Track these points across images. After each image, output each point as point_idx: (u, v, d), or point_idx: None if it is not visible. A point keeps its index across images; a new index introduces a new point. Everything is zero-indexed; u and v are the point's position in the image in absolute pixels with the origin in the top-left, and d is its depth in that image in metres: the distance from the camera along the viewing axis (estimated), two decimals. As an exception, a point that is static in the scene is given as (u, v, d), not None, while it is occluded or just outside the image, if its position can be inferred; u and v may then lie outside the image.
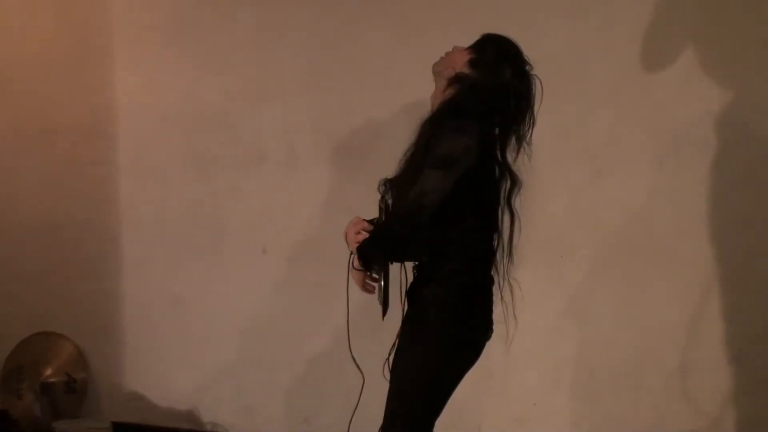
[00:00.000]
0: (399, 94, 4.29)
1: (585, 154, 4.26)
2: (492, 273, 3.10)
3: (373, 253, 2.88)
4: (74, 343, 5.03)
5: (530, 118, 3.10)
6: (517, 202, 3.15)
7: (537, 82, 3.12)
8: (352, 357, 3.18)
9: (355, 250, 2.89)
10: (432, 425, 3.03)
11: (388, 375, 3.03)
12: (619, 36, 4.20)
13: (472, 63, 3.07)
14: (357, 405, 3.27)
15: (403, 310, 3.05)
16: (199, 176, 4.82)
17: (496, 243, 3.11)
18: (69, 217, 4.99)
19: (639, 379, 4.26)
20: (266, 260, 4.76)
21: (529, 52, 4.07)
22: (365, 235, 2.92)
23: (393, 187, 3.01)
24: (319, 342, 4.62)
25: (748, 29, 4.09)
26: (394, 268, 3.02)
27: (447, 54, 3.16)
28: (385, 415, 2.98)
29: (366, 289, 3.00)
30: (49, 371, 4.99)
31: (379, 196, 3.09)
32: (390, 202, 3.00)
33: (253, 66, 4.74)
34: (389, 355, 3.06)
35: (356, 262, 2.90)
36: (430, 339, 2.91)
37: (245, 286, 4.80)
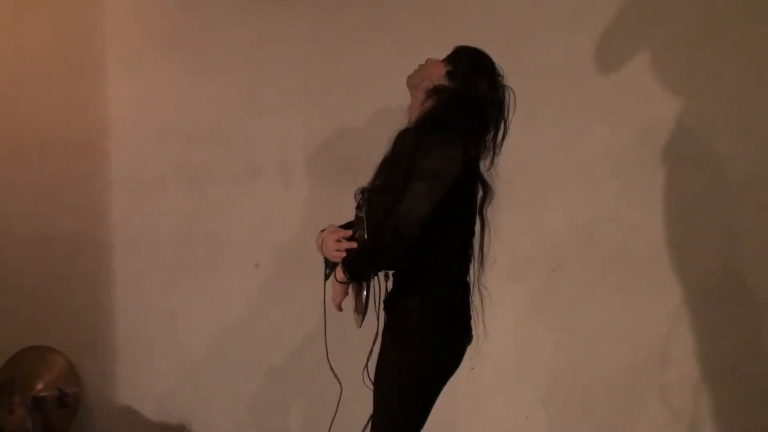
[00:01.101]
0: (393, 109, 4.28)
1: (579, 167, 4.28)
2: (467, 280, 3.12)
3: (363, 267, 2.89)
4: (66, 358, 5.01)
5: (504, 128, 3.12)
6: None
7: (510, 92, 3.13)
8: (330, 366, 3.24)
9: (341, 265, 2.90)
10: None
11: (368, 382, 3.07)
12: (614, 50, 4.23)
13: (449, 75, 3.09)
14: (335, 413, 3.31)
15: (378, 318, 3.04)
16: (193, 190, 4.82)
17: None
18: (62, 231, 4.97)
19: (632, 393, 4.27)
20: (259, 274, 4.76)
21: (524, 65, 4.12)
22: (346, 244, 2.94)
23: (372, 196, 2.99)
24: (311, 355, 4.61)
25: (743, 42, 4.11)
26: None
27: (421, 66, 3.18)
28: (372, 425, 3.00)
29: (339, 305, 3.02)
30: (40, 385, 4.96)
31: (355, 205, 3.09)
32: (365, 211, 2.97)
33: (247, 80, 4.74)
34: (367, 361, 3.10)
35: (339, 275, 2.91)
36: (411, 348, 2.93)
37: (238, 300, 4.80)
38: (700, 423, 4.19)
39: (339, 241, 2.97)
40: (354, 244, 2.95)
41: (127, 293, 4.96)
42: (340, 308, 3.03)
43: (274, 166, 4.71)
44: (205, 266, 4.83)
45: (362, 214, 2.97)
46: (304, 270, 4.56)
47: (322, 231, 3.11)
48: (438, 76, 3.09)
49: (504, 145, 3.12)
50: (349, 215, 3.14)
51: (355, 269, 2.88)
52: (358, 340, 3.08)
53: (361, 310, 2.95)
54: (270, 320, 4.74)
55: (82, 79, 4.95)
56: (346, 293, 3.00)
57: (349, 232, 2.99)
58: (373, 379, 3.09)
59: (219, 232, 4.80)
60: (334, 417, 3.28)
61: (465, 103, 3.03)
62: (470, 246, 3.08)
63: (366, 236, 2.90)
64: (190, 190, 4.83)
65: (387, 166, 3.00)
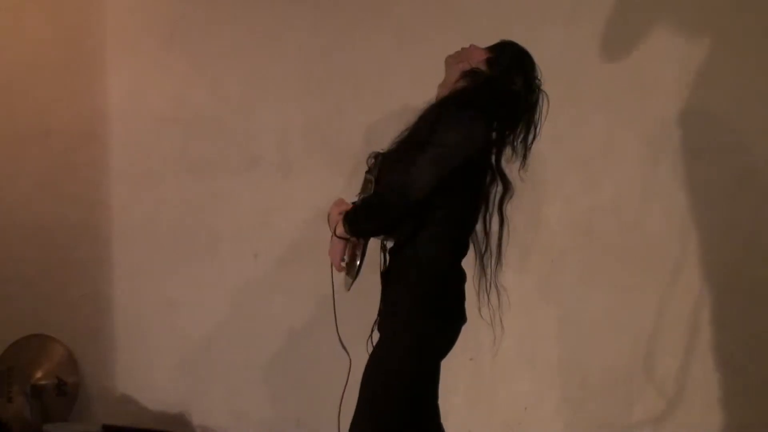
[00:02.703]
0: (393, 100, 4.29)
1: (578, 159, 4.28)
2: (480, 276, 3.14)
3: (363, 221, 2.90)
4: (65, 346, 5.02)
5: (533, 131, 3.14)
6: (509, 207, 3.16)
7: (545, 98, 3.16)
8: (339, 339, 3.20)
9: (341, 217, 2.90)
10: (421, 415, 3.02)
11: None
12: (613, 42, 4.22)
13: (488, 62, 3.10)
14: (345, 387, 3.22)
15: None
16: (193, 180, 4.82)
17: (483, 247, 3.15)
18: (61, 220, 4.98)
19: (630, 385, 4.27)
20: (258, 264, 4.77)
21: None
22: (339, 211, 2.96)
23: (385, 161, 3.01)
24: (311, 345, 4.63)
25: (742, 34, 4.10)
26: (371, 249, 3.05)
27: (463, 49, 3.18)
28: (360, 404, 2.94)
29: (340, 264, 3.02)
30: (39, 374, 4.98)
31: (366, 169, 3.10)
32: (375, 175, 3.00)
33: (247, 70, 4.75)
34: (371, 332, 3.10)
35: (339, 230, 2.92)
36: (405, 327, 2.91)
37: (237, 290, 4.80)
38: (698, 414, 4.19)
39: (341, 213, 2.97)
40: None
41: (126, 283, 4.97)
42: (340, 268, 3.03)
43: (274, 156, 4.72)
44: (204, 256, 4.83)
45: (371, 177, 2.99)
46: (303, 260, 4.60)
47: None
48: (477, 60, 3.10)
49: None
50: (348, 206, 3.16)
51: (354, 222, 2.89)
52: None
53: (353, 274, 2.96)
54: (269, 310, 4.75)
55: (81, 69, 4.96)
56: (344, 251, 2.99)
57: (347, 205, 3.00)
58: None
59: (218, 222, 4.81)
60: (345, 388, 3.24)
61: (496, 92, 3.05)
62: (470, 232, 3.09)
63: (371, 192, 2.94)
64: (189, 180, 4.84)
65: (407, 135, 3.01)
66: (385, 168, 2.99)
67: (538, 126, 3.15)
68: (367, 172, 3.06)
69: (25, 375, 4.96)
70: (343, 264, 3.03)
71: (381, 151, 3.06)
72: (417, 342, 2.91)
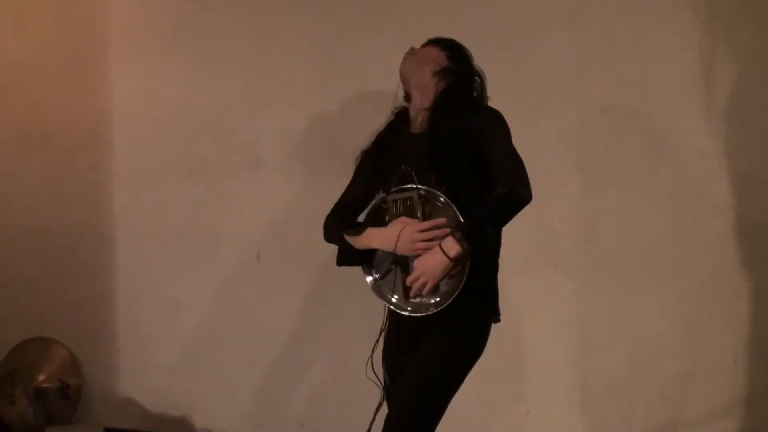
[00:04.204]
0: (397, 102, 4.29)
1: (581, 162, 4.27)
2: None
3: (486, 233, 2.82)
4: (68, 349, 5.02)
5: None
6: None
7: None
8: (374, 371, 3.10)
9: (460, 237, 2.76)
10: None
11: (371, 374, 3.06)
12: (616, 46, 4.22)
13: (450, 58, 3.16)
14: (373, 419, 3.14)
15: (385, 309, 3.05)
16: (195, 182, 4.83)
17: None
18: (64, 222, 4.99)
19: (633, 389, 4.26)
20: (261, 266, 4.76)
21: (527, 61, 4.12)
22: (437, 232, 2.85)
23: (427, 173, 2.94)
24: (314, 348, 4.63)
25: (745, 37, 4.10)
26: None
27: (413, 53, 3.20)
28: (404, 400, 2.93)
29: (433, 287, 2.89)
30: (42, 377, 4.98)
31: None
32: (427, 189, 2.90)
33: (250, 72, 4.75)
34: (372, 352, 3.08)
35: (455, 250, 2.78)
36: (461, 326, 2.94)
37: (240, 292, 4.80)
38: (700, 419, 4.18)
39: (424, 231, 2.88)
40: (447, 230, 2.83)
41: (128, 285, 4.97)
42: (431, 290, 2.87)
43: (276, 158, 4.72)
44: (206, 258, 4.83)
45: (422, 191, 2.89)
46: (305, 262, 4.59)
47: (353, 226, 3.11)
48: (442, 59, 3.14)
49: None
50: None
51: (478, 236, 2.79)
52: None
53: (445, 293, 2.86)
54: (272, 312, 4.74)
55: (84, 71, 4.97)
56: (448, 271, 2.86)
57: (439, 221, 2.87)
58: (390, 367, 3.11)
59: (221, 224, 4.81)
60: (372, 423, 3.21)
61: (471, 81, 3.16)
62: None
63: (454, 210, 2.83)
64: (192, 182, 4.84)
65: (438, 147, 2.96)
66: (433, 179, 2.93)
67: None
68: (403, 190, 2.96)
69: (28, 378, 4.97)
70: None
71: (410, 168, 2.97)
72: (475, 339, 2.99)
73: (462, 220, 2.81)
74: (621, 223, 4.26)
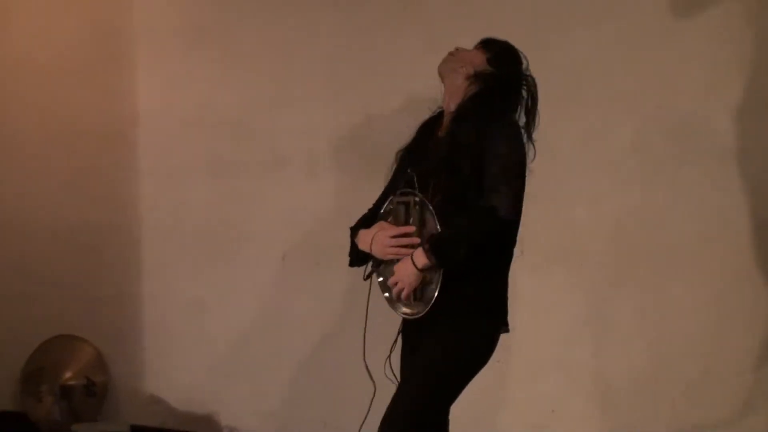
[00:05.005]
0: (420, 101, 4.28)
1: (606, 161, 4.26)
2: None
3: (456, 250, 2.80)
4: (94, 347, 5.05)
5: (536, 117, 3.14)
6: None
7: (537, 83, 3.16)
8: (366, 366, 3.20)
9: (428, 250, 2.80)
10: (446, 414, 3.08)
11: (390, 373, 3.08)
12: (640, 43, 4.20)
13: (490, 61, 3.09)
14: (367, 414, 3.25)
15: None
16: (220, 181, 4.84)
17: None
18: (90, 221, 5.01)
19: (658, 387, 4.25)
20: (286, 265, 4.77)
21: (552, 58, 4.10)
22: (405, 240, 2.90)
23: (428, 180, 2.95)
24: (338, 347, 4.62)
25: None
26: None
27: (454, 54, 3.17)
28: (398, 402, 2.93)
29: (408, 295, 2.92)
30: (68, 374, 5.01)
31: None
32: (421, 197, 2.91)
33: (274, 71, 4.76)
34: (390, 352, 3.11)
35: (421, 262, 2.81)
36: (463, 330, 2.92)
37: (265, 291, 4.82)
38: (725, 418, 4.16)
39: (395, 237, 2.93)
40: (415, 240, 2.88)
41: (154, 283, 4.99)
42: (407, 298, 2.92)
43: (301, 157, 4.73)
44: (231, 257, 4.85)
45: (417, 198, 2.91)
46: (330, 261, 4.60)
47: (353, 229, 3.15)
48: (479, 62, 3.09)
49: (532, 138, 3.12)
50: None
51: (445, 253, 2.80)
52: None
53: (428, 299, 2.87)
54: (296, 311, 4.75)
55: (110, 71, 4.99)
56: (418, 281, 2.89)
57: (408, 228, 2.92)
58: (401, 369, 3.11)
59: (245, 223, 4.83)
60: (366, 418, 3.25)
61: (510, 89, 3.07)
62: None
63: (435, 221, 2.85)
64: (216, 181, 4.85)
65: (440, 151, 2.98)
66: (433, 185, 2.93)
67: (537, 114, 3.14)
68: (401, 195, 2.99)
69: (54, 375, 5.00)
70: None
71: (420, 173, 2.99)
72: (481, 342, 2.96)
73: (438, 231, 2.84)
74: (646, 222, 4.24)
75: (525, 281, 3.90)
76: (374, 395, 3.21)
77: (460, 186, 2.87)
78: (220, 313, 4.87)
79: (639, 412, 4.29)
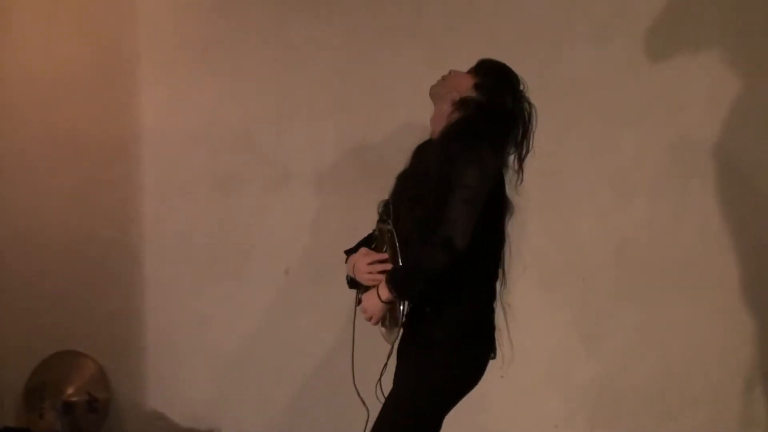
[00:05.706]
0: (425, 116, 4.29)
1: (610, 176, 4.26)
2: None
3: (412, 283, 2.83)
4: (97, 362, 5.03)
5: (527, 145, 3.09)
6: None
7: (533, 107, 3.09)
8: (357, 391, 3.21)
9: (387, 283, 2.83)
10: None
11: (381, 396, 3.07)
12: (644, 58, 4.21)
13: (477, 87, 3.06)
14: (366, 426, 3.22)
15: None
16: (224, 196, 4.84)
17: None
18: (93, 236, 5.00)
19: (663, 403, 4.25)
20: (289, 280, 4.77)
21: (555, 75, 4.11)
22: (380, 267, 2.92)
23: (398, 209, 2.97)
24: (343, 363, 4.60)
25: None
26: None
27: (445, 77, 3.16)
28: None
29: (377, 322, 2.98)
30: (71, 390, 4.99)
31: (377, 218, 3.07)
32: (392, 224, 2.94)
33: (279, 86, 4.76)
34: (381, 375, 3.08)
35: (385, 295, 2.84)
36: (434, 359, 2.92)
37: (268, 306, 4.81)
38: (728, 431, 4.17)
39: (372, 264, 2.95)
40: (389, 266, 2.90)
41: (157, 298, 4.98)
42: (376, 325, 2.99)
43: (305, 172, 4.73)
44: (235, 272, 4.84)
45: (389, 227, 2.94)
46: (334, 276, 4.56)
47: (347, 252, 3.15)
48: (465, 88, 3.06)
49: (535, 154, 3.10)
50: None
51: (403, 286, 2.83)
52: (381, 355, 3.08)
53: (396, 323, 2.90)
54: (300, 326, 4.75)
55: (114, 86, 4.98)
56: (383, 312, 2.92)
57: (383, 255, 2.95)
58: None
59: (249, 238, 4.82)
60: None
61: (493, 116, 3.01)
62: (500, 261, 3.05)
63: (398, 248, 2.87)
64: (220, 195, 4.85)
65: (414, 178, 3.00)
66: (401, 214, 2.95)
67: (531, 139, 3.09)
68: (380, 222, 3.03)
69: (57, 391, 4.98)
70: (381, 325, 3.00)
71: (389, 199, 3.05)
72: (447, 372, 2.93)
73: (399, 263, 2.86)
74: (650, 237, 4.25)
75: (529, 296, 3.89)
76: (368, 418, 3.17)
77: (426, 216, 2.86)
78: (224, 328, 4.86)
79: (644, 427, 4.28)
